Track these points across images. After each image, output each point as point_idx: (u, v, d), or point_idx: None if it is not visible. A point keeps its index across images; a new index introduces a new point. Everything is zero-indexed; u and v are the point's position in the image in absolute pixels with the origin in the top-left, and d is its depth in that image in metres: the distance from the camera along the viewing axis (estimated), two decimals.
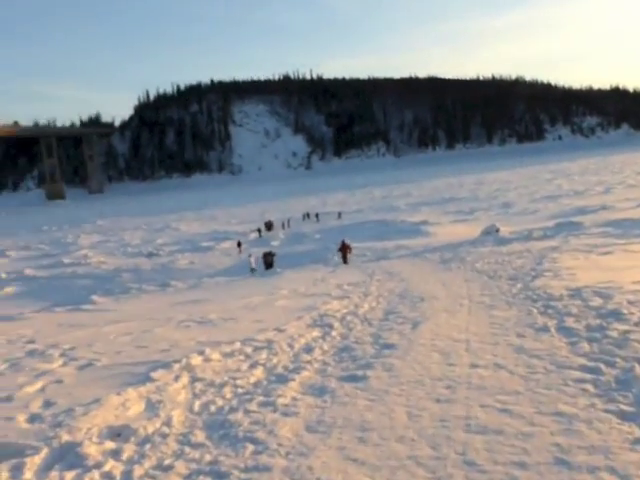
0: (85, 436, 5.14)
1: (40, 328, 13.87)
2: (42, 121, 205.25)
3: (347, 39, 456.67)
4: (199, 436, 5.28)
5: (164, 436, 5.28)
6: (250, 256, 33.16)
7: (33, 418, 5.85)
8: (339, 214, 55.06)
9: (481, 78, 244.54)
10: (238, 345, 8.98)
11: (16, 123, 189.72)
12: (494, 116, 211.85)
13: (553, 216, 39.20)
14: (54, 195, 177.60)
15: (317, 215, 55.71)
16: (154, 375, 7.16)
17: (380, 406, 5.80)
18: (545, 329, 8.48)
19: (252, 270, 31.38)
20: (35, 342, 11.08)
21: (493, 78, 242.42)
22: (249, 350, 8.69)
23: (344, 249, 30.65)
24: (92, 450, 4.87)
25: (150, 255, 41.69)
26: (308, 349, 8.70)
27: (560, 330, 8.30)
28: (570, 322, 8.66)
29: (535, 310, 10.05)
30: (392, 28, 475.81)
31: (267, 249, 36.35)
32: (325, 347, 8.80)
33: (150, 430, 5.36)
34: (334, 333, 9.84)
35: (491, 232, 29.89)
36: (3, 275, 36.92)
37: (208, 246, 44.10)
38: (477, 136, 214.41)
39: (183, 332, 10.87)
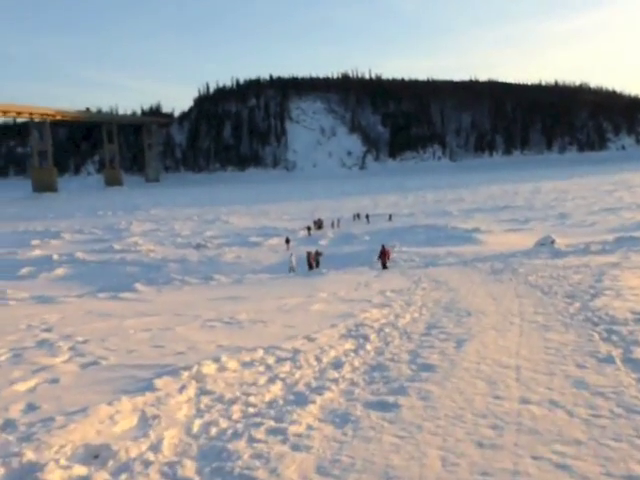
0: (54, 456, 4.40)
1: (67, 315, 13.55)
2: (105, 108, 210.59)
3: (407, 40, 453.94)
4: (188, 468, 4.47)
5: (147, 464, 4.49)
6: (291, 255, 32.78)
7: (6, 425, 5.14)
8: (390, 216, 54.01)
9: (543, 83, 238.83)
10: (260, 353, 8.26)
11: (88, 110, 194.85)
12: (555, 123, 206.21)
13: (612, 230, 37.36)
14: (112, 181, 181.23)
15: (367, 216, 54.72)
16: (158, 383, 6.42)
17: (410, 446, 4.89)
18: (609, 359, 7.40)
19: (291, 269, 30.93)
20: (52, 331, 10.76)
21: (556, 84, 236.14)
22: (271, 360, 7.92)
23: (384, 255, 29.91)
24: (54, 476, 4.09)
25: (198, 247, 41.60)
26: (337, 364, 7.88)
27: (627, 362, 7.21)
28: (638, 353, 7.54)
29: (596, 335, 8.89)
30: (453, 30, 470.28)
31: (315, 248, 35.84)
32: (356, 363, 8.00)
33: (133, 454, 4.58)
34: (369, 347, 9.04)
35: (546, 243, 28.38)
36: (55, 257, 37.68)
37: (256, 241, 43.84)
38: (536, 143, 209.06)
39: (206, 333, 10.31)
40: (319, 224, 51.56)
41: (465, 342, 9.07)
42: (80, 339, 9.66)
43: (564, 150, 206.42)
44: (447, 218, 52.03)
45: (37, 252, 40.46)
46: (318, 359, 8.07)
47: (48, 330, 10.98)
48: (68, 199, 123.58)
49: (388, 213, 55.80)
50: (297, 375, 7.20)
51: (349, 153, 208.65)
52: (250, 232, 49.49)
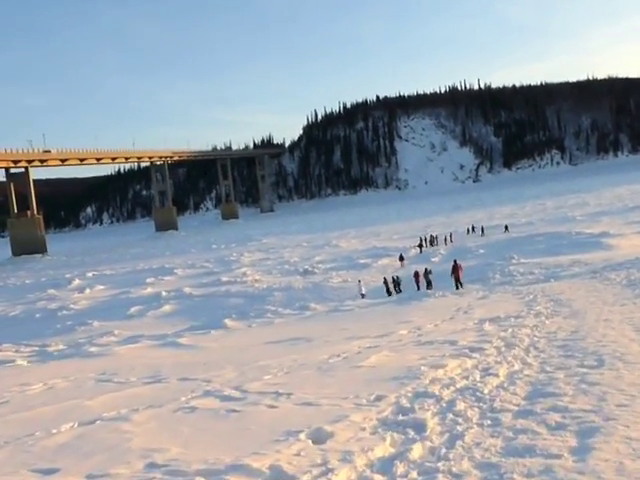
0: None
1: (110, 367, 12.76)
2: (219, 145, 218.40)
3: (519, 47, 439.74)
4: None
5: None
6: (359, 282, 31.82)
7: None
8: (506, 227, 51.01)
9: None
10: None
11: (215, 149, 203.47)
12: None
13: None
14: (228, 215, 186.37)
15: (482, 229, 52.21)
16: None
17: None
18: None
19: (362, 296, 29.84)
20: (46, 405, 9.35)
21: None
22: None
23: (456, 271, 27.89)
24: None
25: (305, 273, 40.96)
26: None
27: None
28: None
29: None
30: (567, 31, 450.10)
31: (425, 266, 34.31)
32: None
33: None
34: (415, 454, 5.18)
35: None
36: (164, 293, 38.13)
37: (365, 263, 42.63)
38: None
39: (171, 431, 6.69)
40: (431, 240, 49.65)
41: (596, 433, 5.22)
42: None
43: None
44: (570, 224, 48.48)
45: (149, 290, 41.16)
46: None
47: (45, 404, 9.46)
48: (186, 236, 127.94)
49: (504, 224, 52.83)
50: None
51: (461, 167, 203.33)
52: (359, 254, 48.29)
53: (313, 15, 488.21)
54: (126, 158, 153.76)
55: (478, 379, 7.98)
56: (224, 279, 41.78)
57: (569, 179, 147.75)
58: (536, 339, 10.73)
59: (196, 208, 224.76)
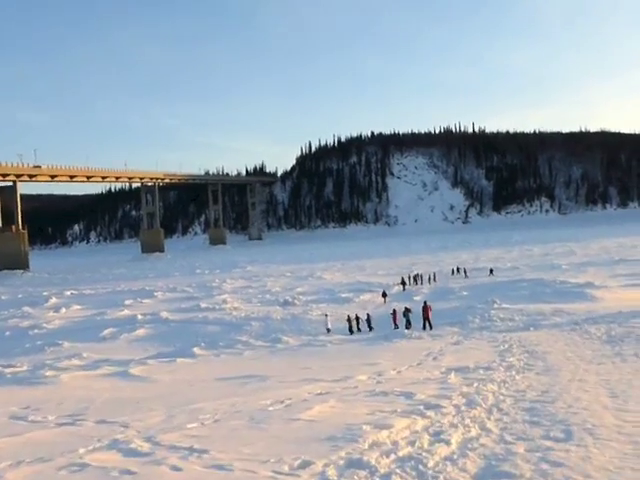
0: None
1: (39, 399, 11.63)
2: (211, 170, 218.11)
3: (514, 94, 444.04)
4: None
5: None
6: (326, 316, 31.62)
7: None
8: (491, 270, 50.41)
9: None
10: None
11: (207, 173, 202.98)
12: None
13: None
14: (216, 240, 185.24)
15: (465, 271, 51.52)
16: None
17: None
18: None
19: (327, 330, 29.79)
20: None
21: None
22: None
23: (425, 311, 27.46)
24: None
25: (285, 304, 40.30)
26: None
27: None
28: None
29: None
30: (565, 82, 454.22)
31: (409, 304, 33.72)
32: None
33: None
34: None
35: None
36: (140, 316, 37.45)
37: (347, 297, 41.96)
38: None
39: None
40: (415, 279, 49.10)
41: None
42: None
43: None
44: (555, 272, 47.91)
45: (125, 312, 40.49)
46: None
47: None
48: (172, 259, 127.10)
49: (489, 267, 52.19)
50: None
51: (451, 207, 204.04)
52: (342, 288, 47.74)
53: (313, 47, 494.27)
54: (117, 178, 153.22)
55: (426, 446, 6.92)
56: (203, 305, 41.29)
57: (557, 227, 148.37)
58: (502, 398, 9.79)
59: (184, 232, 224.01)
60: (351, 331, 29.86)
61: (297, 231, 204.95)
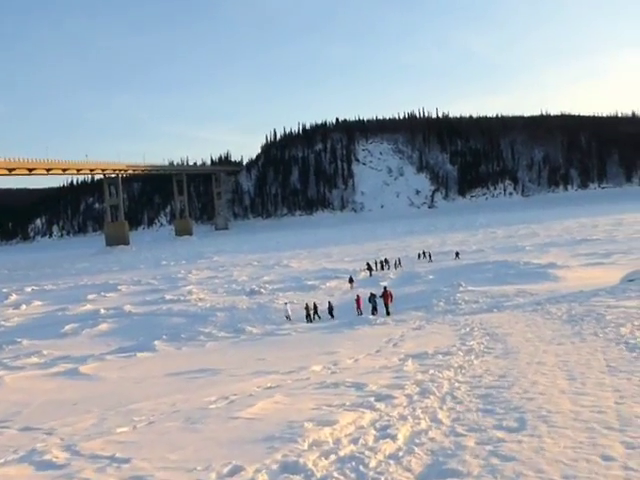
0: None
1: None
2: (175, 160, 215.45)
3: (477, 78, 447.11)
4: None
5: None
6: (286, 304, 31.97)
7: None
8: (456, 254, 50.61)
9: (620, 115, 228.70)
10: None
11: (172, 164, 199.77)
12: (634, 154, 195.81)
13: None
14: (182, 231, 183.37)
15: (429, 255, 51.62)
16: None
17: None
18: None
19: (287, 318, 30.14)
20: None
21: (633, 115, 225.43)
22: None
23: (385, 297, 27.50)
24: None
25: (251, 293, 40.15)
26: None
27: None
28: None
29: None
30: (526, 67, 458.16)
31: (375, 289, 33.72)
32: None
33: None
34: None
35: (635, 279, 24.28)
36: (102, 311, 36.99)
37: (313, 285, 41.89)
38: (614, 175, 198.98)
39: None
40: (381, 264, 49.22)
41: None
42: None
43: None
44: (519, 254, 48.41)
45: (88, 307, 39.89)
46: None
47: None
48: (137, 251, 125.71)
49: (455, 251, 52.37)
50: None
51: (417, 192, 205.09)
52: (308, 275, 47.69)
53: (278, 34, 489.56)
54: (78, 170, 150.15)
55: (370, 443, 6.42)
56: (168, 297, 40.91)
57: (521, 210, 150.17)
58: (457, 385, 9.36)
59: (150, 223, 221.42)
60: (308, 319, 29.98)
61: (264, 220, 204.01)
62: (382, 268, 48.52)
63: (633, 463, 5.09)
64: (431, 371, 10.56)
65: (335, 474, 5.48)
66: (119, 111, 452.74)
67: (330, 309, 30.76)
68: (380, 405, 8.15)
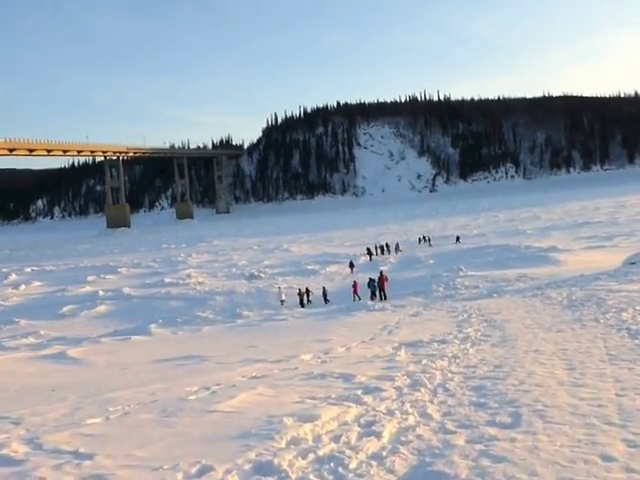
0: None
1: None
2: (177, 143, 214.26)
3: (478, 61, 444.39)
4: None
5: None
6: (279, 288, 32.12)
7: None
8: (457, 238, 50.18)
9: (622, 95, 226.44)
10: None
11: (173, 147, 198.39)
12: (637, 135, 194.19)
13: None
14: (183, 214, 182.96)
15: (429, 239, 51.18)
16: None
17: None
18: None
19: (281, 302, 30.18)
20: None
21: (636, 95, 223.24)
22: None
23: (382, 282, 27.44)
24: None
25: (250, 277, 39.90)
26: None
27: None
28: None
29: None
30: (527, 48, 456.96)
31: (375, 274, 33.45)
32: None
33: None
34: None
35: (637, 262, 23.87)
36: (101, 293, 36.83)
37: (313, 269, 41.63)
38: (617, 157, 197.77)
39: None
40: (382, 249, 48.83)
41: None
42: None
43: None
44: (520, 237, 48.08)
45: (87, 289, 39.69)
46: None
47: None
48: (138, 234, 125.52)
49: (456, 235, 51.94)
50: None
51: (419, 176, 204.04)
52: (308, 260, 47.35)
53: (278, 18, 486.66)
54: (78, 151, 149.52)
55: (353, 441, 5.93)
56: (167, 280, 40.68)
57: (522, 193, 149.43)
58: (450, 376, 8.89)
59: (151, 206, 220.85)
60: (302, 304, 29.85)
61: (265, 204, 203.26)
62: (382, 253, 48.16)
63: (635, 464, 4.71)
64: (424, 361, 10.12)
65: (311, 476, 5.03)
66: (119, 94, 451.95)
67: (324, 294, 30.56)
68: (367, 398, 7.70)
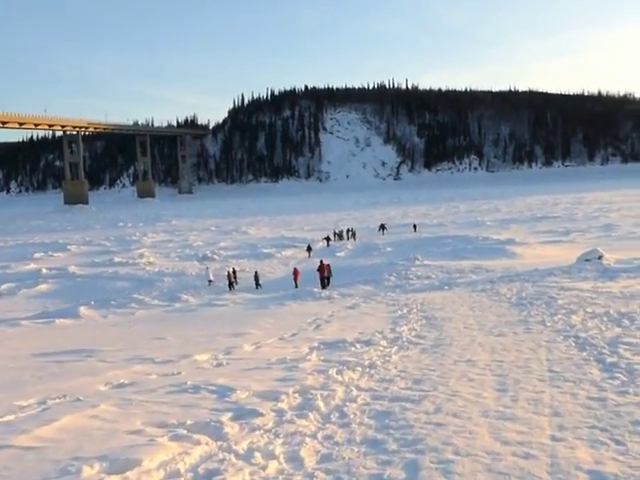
0: None
1: None
2: (140, 120, 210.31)
3: (448, 51, 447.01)
4: None
5: None
6: (207, 268, 32.30)
7: None
8: (415, 226, 50.15)
9: (586, 93, 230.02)
10: None
11: (136, 124, 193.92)
12: (598, 133, 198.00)
13: None
14: (144, 193, 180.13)
15: (383, 227, 50.87)
16: None
17: None
18: None
19: (209, 282, 30.39)
20: None
21: (599, 94, 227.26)
22: None
23: (322, 271, 27.04)
24: None
25: (203, 259, 39.18)
26: None
27: None
28: None
29: None
30: (496, 41, 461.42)
31: (332, 259, 33.12)
32: None
33: None
34: None
35: (592, 259, 23.84)
36: (44, 271, 35.68)
37: (268, 253, 41.13)
38: (577, 154, 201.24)
39: None
40: (340, 235, 48.71)
41: None
42: None
43: (607, 161, 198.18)
44: (479, 229, 48.20)
45: (31, 266, 38.39)
46: None
47: None
48: (97, 211, 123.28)
49: (413, 223, 51.95)
50: None
51: (383, 164, 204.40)
52: (265, 243, 46.86)
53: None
54: (35, 124, 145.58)
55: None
56: (117, 260, 39.75)
57: (485, 185, 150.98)
58: (355, 394, 7.37)
59: (112, 184, 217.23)
60: (231, 287, 29.68)
61: (228, 185, 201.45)
62: (340, 239, 47.96)
63: (530, 394, 3.74)
64: (331, 371, 8.62)
65: None
66: (83, 69, 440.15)
67: (256, 278, 30.03)
68: (231, 428, 5.97)
